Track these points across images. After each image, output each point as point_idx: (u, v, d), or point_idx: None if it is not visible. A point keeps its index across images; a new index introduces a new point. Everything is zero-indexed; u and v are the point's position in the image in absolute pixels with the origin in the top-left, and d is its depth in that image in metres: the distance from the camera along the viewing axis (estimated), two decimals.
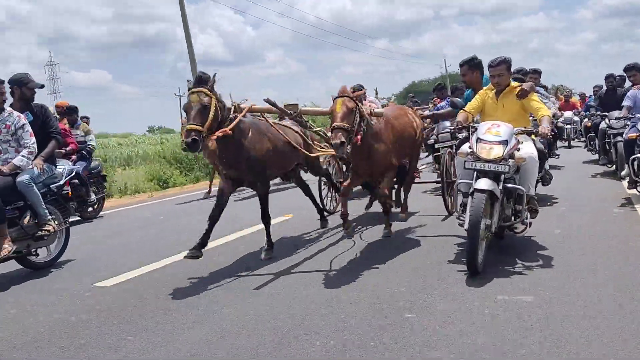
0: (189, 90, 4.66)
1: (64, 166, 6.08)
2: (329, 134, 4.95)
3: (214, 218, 4.96)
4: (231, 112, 4.87)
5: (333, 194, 7.37)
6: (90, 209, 8.71)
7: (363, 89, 6.57)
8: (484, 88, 5.20)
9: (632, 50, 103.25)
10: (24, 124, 5.22)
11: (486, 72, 5.44)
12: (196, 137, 4.39)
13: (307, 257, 5.22)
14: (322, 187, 7.14)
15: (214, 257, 5.34)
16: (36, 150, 5.27)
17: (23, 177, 5.07)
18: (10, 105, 5.41)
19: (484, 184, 4.15)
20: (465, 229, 4.20)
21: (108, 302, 4.22)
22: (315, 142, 6.18)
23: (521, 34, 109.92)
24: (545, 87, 9.96)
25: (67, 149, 7.98)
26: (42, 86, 5.74)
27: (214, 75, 4.71)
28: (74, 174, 6.25)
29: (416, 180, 6.69)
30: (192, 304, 4.04)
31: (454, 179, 6.73)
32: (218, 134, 4.62)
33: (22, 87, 5.45)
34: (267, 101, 5.21)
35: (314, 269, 4.80)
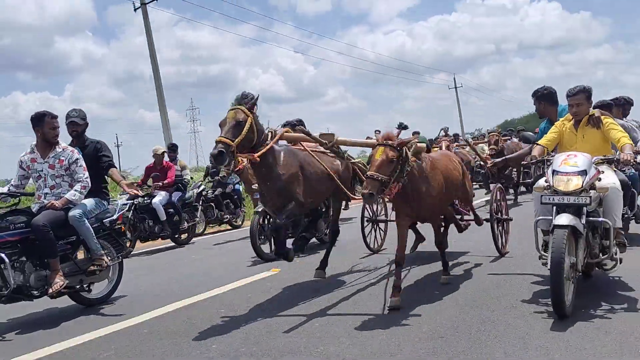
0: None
1: (117, 201, 6.06)
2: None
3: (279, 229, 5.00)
4: (268, 139, 4.79)
5: (376, 232, 7.16)
6: (183, 235, 9.72)
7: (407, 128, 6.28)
8: (561, 119, 4.97)
9: None
10: (77, 159, 5.20)
11: (562, 102, 5.21)
12: (223, 150, 4.27)
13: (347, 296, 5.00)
14: (365, 224, 6.94)
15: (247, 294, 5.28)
16: (90, 185, 5.22)
17: (75, 212, 5.03)
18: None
19: (564, 219, 3.88)
20: (548, 269, 3.89)
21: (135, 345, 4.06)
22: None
23: (585, 66, 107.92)
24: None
25: (165, 182, 9.17)
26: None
27: (257, 97, 4.64)
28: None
29: (464, 225, 6.33)
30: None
31: (505, 217, 6.51)
32: (248, 156, 4.58)
33: (70, 122, 5.47)
34: (301, 130, 5.09)
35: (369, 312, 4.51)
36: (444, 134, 13.99)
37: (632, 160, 4.35)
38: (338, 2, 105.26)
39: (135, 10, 21.15)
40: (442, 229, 5.67)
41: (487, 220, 6.25)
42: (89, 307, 5.30)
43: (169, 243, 9.54)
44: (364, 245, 6.97)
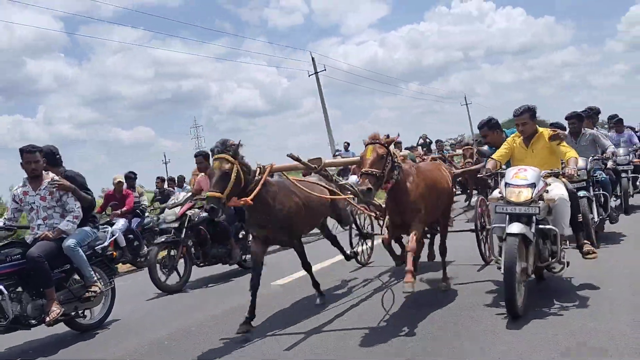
0: (213, 156, 4.73)
1: (107, 228, 6.29)
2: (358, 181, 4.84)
3: (255, 287, 4.94)
4: (256, 174, 4.92)
5: (365, 245, 7.31)
6: (143, 259, 9.53)
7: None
8: (512, 135, 5.32)
9: None
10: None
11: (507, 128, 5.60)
12: (214, 205, 4.41)
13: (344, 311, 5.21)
14: (354, 238, 7.10)
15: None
16: (81, 215, 5.43)
17: (69, 242, 5.23)
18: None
19: (515, 228, 4.21)
20: (502, 273, 4.21)
21: None
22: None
23: (552, 69, 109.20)
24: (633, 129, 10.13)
25: (123, 209, 9.61)
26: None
27: (238, 143, 4.75)
28: (118, 234, 6.48)
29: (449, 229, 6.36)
30: None
31: (489, 227, 6.53)
32: (239, 201, 4.71)
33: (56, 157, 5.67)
34: (291, 156, 5.17)
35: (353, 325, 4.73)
36: (422, 141, 14.38)
37: (575, 174, 4.71)
38: (309, 15, 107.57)
39: (309, 76, 27.23)
40: (424, 240, 5.71)
41: (472, 230, 6.44)
42: (85, 333, 5.51)
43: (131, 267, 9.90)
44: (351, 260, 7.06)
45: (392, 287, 5.82)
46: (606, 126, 7.76)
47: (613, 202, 7.29)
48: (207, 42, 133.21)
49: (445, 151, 13.46)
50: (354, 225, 7.05)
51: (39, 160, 5.30)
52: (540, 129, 5.14)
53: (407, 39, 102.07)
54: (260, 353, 4.32)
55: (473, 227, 6.46)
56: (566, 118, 7.33)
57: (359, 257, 7.15)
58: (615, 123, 10.17)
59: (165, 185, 12.47)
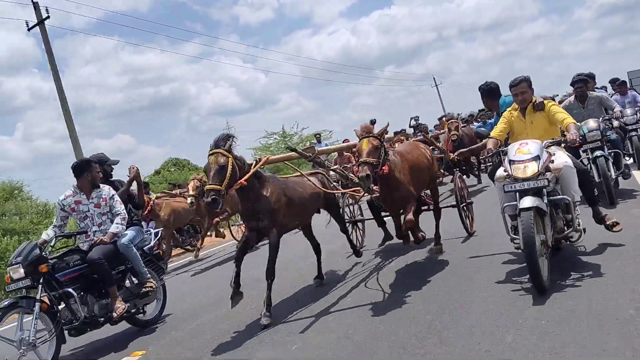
0: (209, 151, 5.00)
1: (149, 229, 6.76)
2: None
3: (238, 259, 5.25)
4: (252, 167, 5.20)
5: (357, 232, 7.66)
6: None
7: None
8: (508, 109, 5.32)
9: (638, 43, 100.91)
10: (113, 195, 5.78)
11: (504, 93, 5.76)
12: (215, 197, 4.70)
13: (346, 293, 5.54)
14: (349, 229, 7.21)
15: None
16: (127, 216, 5.82)
17: (124, 240, 5.69)
18: None
19: (528, 202, 4.19)
20: (522, 250, 4.22)
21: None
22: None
23: (525, 42, 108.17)
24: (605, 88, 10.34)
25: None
26: (118, 162, 6.41)
27: (232, 138, 5.05)
28: (160, 234, 6.91)
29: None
30: None
31: (469, 201, 7.07)
32: (235, 186, 4.98)
33: (104, 165, 6.15)
34: (289, 147, 5.63)
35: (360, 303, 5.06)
36: (414, 122, 14.59)
37: (577, 139, 4.67)
38: (280, 9, 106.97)
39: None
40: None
41: (453, 206, 6.85)
42: (145, 327, 6.01)
43: None
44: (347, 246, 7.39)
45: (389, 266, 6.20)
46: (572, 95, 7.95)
47: (625, 160, 7.48)
48: (180, 44, 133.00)
49: (429, 132, 13.56)
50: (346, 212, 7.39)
51: (99, 170, 5.83)
52: (534, 97, 5.10)
53: (379, 25, 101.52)
54: (278, 337, 4.65)
55: (454, 203, 6.80)
56: (572, 84, 7.49)
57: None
58: (619, 85, 10.40)
59: None
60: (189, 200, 9.35)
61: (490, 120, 6.59)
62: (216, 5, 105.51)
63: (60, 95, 18.45)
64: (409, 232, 5.59)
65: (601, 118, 7.19)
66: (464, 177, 9.20)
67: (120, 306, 5.48)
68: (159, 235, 6.77)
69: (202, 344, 4.96)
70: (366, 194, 6.04)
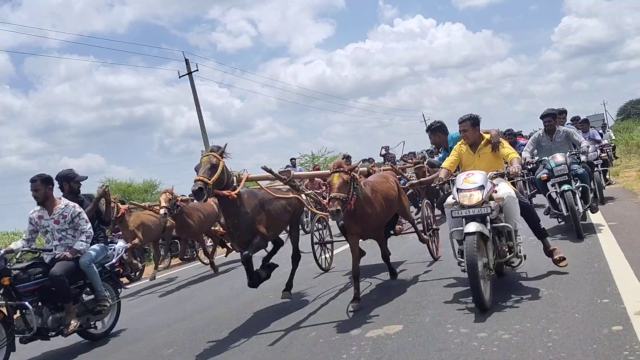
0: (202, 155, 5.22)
1: (113, 246, 6.79)
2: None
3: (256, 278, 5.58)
4: (234, 182, 5.40)
5: (325, 253, 7.83)
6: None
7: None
8: (459, 143, 5.65)
9: (602, 84, 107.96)
10: (79, 213, 5.83)
11: (452, 131, 6.10)
12: (202, 187, 4.85)
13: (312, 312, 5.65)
14: (316, 247, 7.59)
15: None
16: (92, 234, 5.94)
17: (85, 259, 5.77)
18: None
19: (472, 227, 4.51)
20: (466, 272, 4.46)
21: None
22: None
23: (493, 80, 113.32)
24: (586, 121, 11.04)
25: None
26: (86, 178, 6.48)
27: (225, 145, 5.32)
28: (122, 252, 6.94)
29: (397, 230, 7.07)
30: None
31: (435, 227, 7.33)
32: (225, 192, 5.14)
33: (70, 182, 6.22)
34: (264, 169, 5.90)
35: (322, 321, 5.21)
36: (384, 151, 14.96)
37: (519, 172, 5.06)
38: (257, 38, 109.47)
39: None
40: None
41: (420, 231, 7.04)
42: (96, 341, 6.06)
43: None
44: (316, 267, 7.69)
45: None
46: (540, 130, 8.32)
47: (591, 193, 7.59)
48: (157, 67, 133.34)
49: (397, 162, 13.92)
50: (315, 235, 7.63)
51: (39, 188, 5.78)
52: (486, 136, 5.46)
53: (353, 57, 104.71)
54: (248, 351, 4.73)
55: (421, 228, 7.04)
56: (541, 117, 7.74)
57: (320, 263, 7.69)
58: (581, 123, 10.98)
59: None
60: (161, 211, 9.10)
61: (438, 155, 6.90)
62: (194, 30, 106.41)
63: (202, 129, 26.06)
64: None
65: (568, 152, 7.41)
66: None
67: (74, 323, 5.59)
68: (122, 252, 6.77)
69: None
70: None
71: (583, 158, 7.78)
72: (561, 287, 4.86)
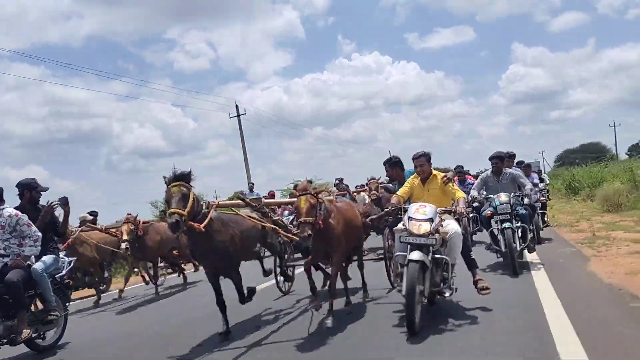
0: (168, 184, 5.20)
1: (64, 258, 6.73)
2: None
3: (221, 304, 5.79)
4: (203, 207, 5.44)
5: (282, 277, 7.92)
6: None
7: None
8: (412, 176, 6.06)
9: (545, 131, 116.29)
10: (18, 219, 5.73)
11: (408, 166, 6.48)
12: (178, 219, 4.90)
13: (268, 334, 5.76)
14: (277, 269, 7.77)
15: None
16: (40, 236, 5.84)
17: (38, 267, 5.75)
18: (18, 207, 6.02)
19: (416, 255, 4.88)
20: (403, 295, 4.85)
21: None
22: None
23: (444, 119, 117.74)
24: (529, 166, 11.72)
25: None
26: (48, 189, 6.42)
27: (190, 171, 5.30)
28: (73, 264, 6.90)
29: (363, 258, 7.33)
30: None
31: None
32: (196, 225, 5.16)
33: (32, 191, 6.22)
34: (239, 197, 6.13)
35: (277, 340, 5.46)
36: (337, 182, 15.42)
37: (465, 212, 5.53)
38: (216, 61, 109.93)
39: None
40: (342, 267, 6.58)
41: (381, 258, 7.37)
42: (42, 353, 6.01)
43: None
44: (275, 289, 7.89)
45: (311, 310, 6.45)
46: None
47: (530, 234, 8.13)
48: (109, 81, 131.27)
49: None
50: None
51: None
52: (435, 172, 5.89)
53: (310, 87, 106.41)
54: None
55: (382, 256, 7.36)
56: (490, 158, 8.26)
57: (281, 286, 7.89)
58: (524, 167, 11.58)
59: None
60: (123, 245, 8.75)
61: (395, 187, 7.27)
62: (151, 49, 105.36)
63: (246, 167, 31.62)
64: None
65: (513, 193, 7.89)
66: None
67: (26, 331, 5.55)
68: (72, 264, 6.76)
69: None
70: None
71: (526, 200, 8.33)
72: (490, 317, 5.29)
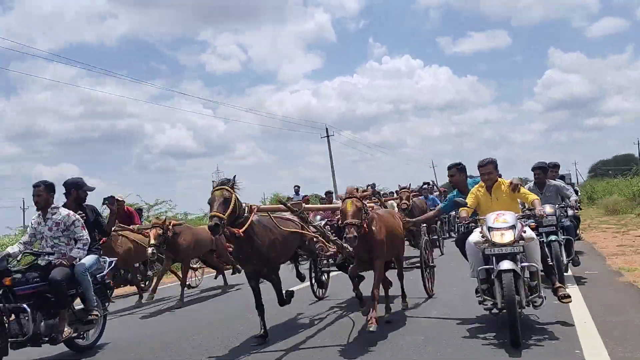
0: (213, 188, 5.31)
1: (105, 258, 6.50)
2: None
3: (260, 307, 5.74)
4: (245, 212, 5.47)
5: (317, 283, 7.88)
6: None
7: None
8: (476, 186, 5.88)
9: (580, 139, 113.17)
10: (74, 221, 5.74)
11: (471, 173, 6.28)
12: (218, 222, 4.96)
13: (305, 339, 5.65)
14: (313, 274, 7.75)
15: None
16: (89, 241, 5.79)
17: (80, 267, 5.62)
18: (64, 205, 5.98)
19: (507, 264, 4.61)
20: (497, 310, 4.64)
21: None
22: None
23: (475, 125, 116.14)
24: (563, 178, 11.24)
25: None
26: (94, 189, 6.34)
27: (234, 177, 5.41)
28: (114, 264, 6.69)
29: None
30: None
31: (432, 264, 7.45)
32: (235, 230, 5.23)
33: (79, 190, 6.15)
34: (279, 201, 6.13)
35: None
36: (370, 189, 15.13)
37: (544, 214, 5.30)
38: (246, 64, 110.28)
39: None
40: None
41: (417, 267, 7.22)
42: (82, 352, 5.81)
43: None
44: (308, 293, 7.76)
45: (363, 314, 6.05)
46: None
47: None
48: (142, 82, 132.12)
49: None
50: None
51: (41, 194, 5.74)
52: (499, 179, 5.69)
53: (340, 90, 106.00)
54: None
55: (419, 264, 7.16)
56: (532, 169, 7.97)
57: (315, 291, 7.82)
58: (559, 179, 11.33)
59: None
60: (149, 250, 8.40)
61: (451, 193, 6.92)
62: (183, 50, 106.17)
63: (334, 186, 33.65)
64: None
65: (557, 205, 7.58)
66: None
67: (67, 330, 5.41)
68: (112, 264, 6.56)
69: None
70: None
71: (570, 212, 8.00)
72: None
